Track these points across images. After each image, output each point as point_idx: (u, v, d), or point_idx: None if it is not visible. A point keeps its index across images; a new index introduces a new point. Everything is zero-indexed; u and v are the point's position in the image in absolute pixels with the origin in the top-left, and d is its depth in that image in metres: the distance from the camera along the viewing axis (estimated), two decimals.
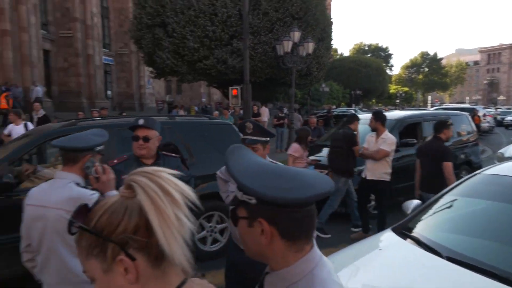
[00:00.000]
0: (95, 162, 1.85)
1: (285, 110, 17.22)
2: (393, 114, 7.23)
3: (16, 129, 6.99)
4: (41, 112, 9.33)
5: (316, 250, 0.88)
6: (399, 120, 6.47)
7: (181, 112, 19.54)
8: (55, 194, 1.77)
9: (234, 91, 12.08)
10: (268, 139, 2.40)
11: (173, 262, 0.70)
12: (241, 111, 13.23)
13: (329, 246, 4.37)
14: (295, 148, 5.21)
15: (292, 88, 14.21)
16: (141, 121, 2.51)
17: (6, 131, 7.24)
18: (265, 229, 0.83)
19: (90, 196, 1.75)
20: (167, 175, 0.73)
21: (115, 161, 2.59)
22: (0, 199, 3.32)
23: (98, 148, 1.91)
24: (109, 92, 26.56)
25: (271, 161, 2.44)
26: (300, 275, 0.84)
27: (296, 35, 13.03)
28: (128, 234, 0.69)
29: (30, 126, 7.31)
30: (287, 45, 12.95)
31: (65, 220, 0.71)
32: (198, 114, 10.70)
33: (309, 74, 17.28)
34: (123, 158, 2.58)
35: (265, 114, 15.68)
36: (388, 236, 2.34)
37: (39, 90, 15.28)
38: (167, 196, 0.70)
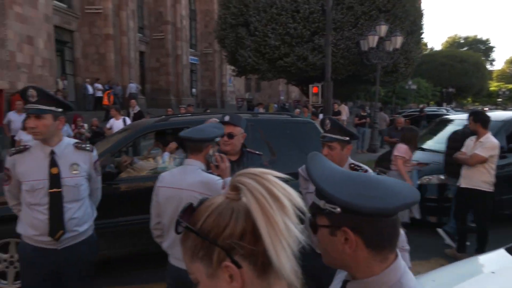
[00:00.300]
0: (215, 152, 2.11)
1: (367, 109, 16.38)
2: (499, 115, 6.33)
3: (116, 124, 7.78)
4: (137, 108, 10.24)
5: (400, 259, 0.87)
6: (507, 122, 5.64)
7: (261, 110, 19.89)
8: (188, 178, 1.99)
9: (314, 88, 11.85)
10: (348, 138, 2.25)
11: (280, 274, 0.64)
12: (313, 109, 12.97)
13: (419, 259, 4.01)
14: (403, 149, 4.69)
15: (377, 85, 13.44)
16: (227, 118, 2.54)
17: (108, 125, 8.11)
18: (350, 238, 0.82)
19: (217, 181, 1.97)
20: (274, 178, 0.68)
21: None
22: (102, 187, 3.70)
23: (217, 139, 2.15)
24: (194, 90, 28.24)
25: (354, 163, 2.29)
26: (387, 284, 0.83)
27: (383, 29, 12.27)
28: (235, 239, 0.65)
29: (128, 121, 8.06)
30: (373, 40, 12.27)
31: (197, 200, 0.73)
32: (280, 112, 10.71)
33: (395, 70, 16.19)
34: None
35: (344, 112, 15.14)
36: (501, 257, 2.01)
37: (132, 87, 16.87)
38: (276, 202, 0.64)
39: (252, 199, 0.64)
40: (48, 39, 12.47)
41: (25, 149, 2.15)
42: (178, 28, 23.63)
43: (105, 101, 14.55)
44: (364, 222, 0.81)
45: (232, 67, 18.86)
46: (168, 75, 23.32)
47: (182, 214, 0.71)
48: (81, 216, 2.23)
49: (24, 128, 6.38)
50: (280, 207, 0.64)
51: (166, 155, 4.28)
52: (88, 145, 2.32)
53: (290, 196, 0.66)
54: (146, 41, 22.75)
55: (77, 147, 2.24)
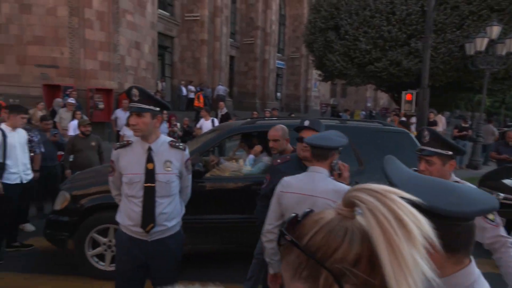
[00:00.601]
0: (338, 160, 2.14)
1: (469, 120, 14.64)
2: None
3: (206, 124, 8.20)
4: (224, 110, 10.69)
5: (475, 266, 0.88)
6: None
7: (347, 116, 19.22)
8: (320, 185, 2.01)
9: (408, 96, 10.98)
10: (451, 153, 1.99)
11: None
12: (402, 119, 11.95)
13: None
14: None
15: (483, 94, 11.92)
16: (306, 122, 2.46)
17: (198, 125, 8.60)
18: None
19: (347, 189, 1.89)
20: (400, 199, 0.57)
21: (279, 161, 2.60)
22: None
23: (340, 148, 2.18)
24: (278, 94, 28.57)
25: (457, 180, 1.98)
26: (460, 287, 0.84)
27: (495, 30, 10.81)
28: (347, 264, 0.56)
29: (216, 122, 8.44)
30: (481, 43, 10.90)
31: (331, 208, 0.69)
32: (370, 120, 10.18)
33: (507, 77, 14.18)
34: (286, 159, 2.58)
35: (441, 123, 13.73)
36: None
37: (220, 89, 17.70)
38: (402, 228, 0.53)
39: (372, 221, 0.54)
40: (152, 45, 13.78)
41: (128, 144, 2.32)
42: (267, 33, 24.16)
43: (196, 103, 15.52)
44: (441, 226, 0.73)
45: (319, 72, 18.59)
46: (255, 79, 23.98)
47: (287, 225, 0.64)
48: (171, 212, 2.33)
49: (127, 125, 7.10)
50: (407, 235, 0.53)
51: (251, 157, 4.32)
52: (181, 144, 2.41)
53: (419, 223, 0.55)
54: (237, 46, 23.72)
55: (171, 145, 2.35)
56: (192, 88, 17.15)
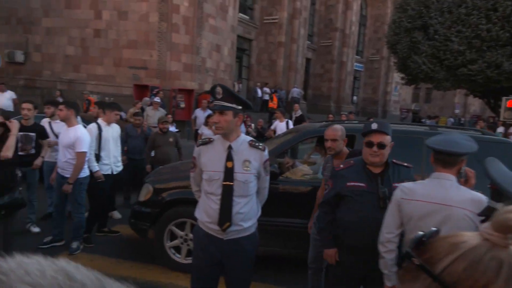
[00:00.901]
0: (464, 166, 2.01)
1: None
2: None
3: (280, 126, 8.16)
4: (299, 112, 10.56)
5: None
6: None
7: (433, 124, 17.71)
8: (453, 194, 1.86)
9: (509, 102, 9.69)
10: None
11: None
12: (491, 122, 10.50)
13: None
14: None
15: None
16: (374, 126, 2.24)
17: (272, 127, 8.59)
18: None
19: (485, 200, 1.78)
20: None
21: (341, 166, 2.40)
22: None
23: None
24: (354, 98, 27.52)
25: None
26: None
27: None
28: None
29: (291, 124, 8.35)
30: None
31: (469, 219, 0.65)
32: (465, 127, 9.22)
33: None
34: (349, 164, 2.38)
35: None
36: None
37: (295, 91, 17.59)
38: None
39: None
40: (231, 47, 14.24)
41: (209, 141, 2.34)
42: (346, 35, 23.44)
43: (271, 104, 15.64)
44: None
45: (401, 75, 17.43)
46: (330, 82, 23.42)
47: (414, 245, 0.54)
48: (247, 212, 2.29)
49: (206, 124, 7.37)
50: None
51: None
52: (261, 144, 2.36)
53: None
54: (314, 48, 23.41)
55: (251, 144, 2.31)
56: (267, 90, 17.35)
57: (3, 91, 10.44)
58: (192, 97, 11.89)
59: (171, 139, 5.81)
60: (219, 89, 2.21)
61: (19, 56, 12.90)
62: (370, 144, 2.24)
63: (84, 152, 3.95)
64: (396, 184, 2.12)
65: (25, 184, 4.38)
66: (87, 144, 3.99)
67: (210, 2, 12.46)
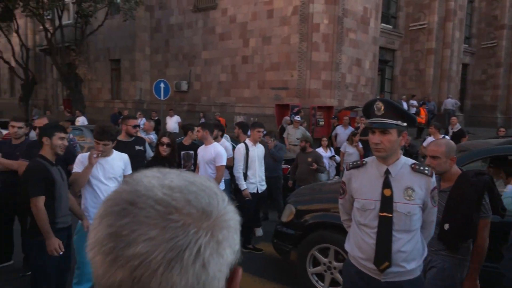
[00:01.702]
0: None
1: None
2: None
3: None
4: (457, 127, 9.07)
5: None
6: None
7: None
8: None
9: None
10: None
11: None
12: None
13: None
14: None
15: None
16: None
17: (425, 144, 7.56)
18: None
19: None
20: None
21: None
22: None
23: None
24: None
25: None
26: None
27: None
28: None
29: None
30: None
31: None
32: None
33: None
34: None
35: None
36: None
37: (449, 103, 15.30)
38: None
39: None
40: (373, 60, 13.49)
41: (361, 164, 2.06)
42: None
43: (419, 119, 14.01)
44: None
45: None
46: (496, 89, 19.70)
47: None
48: (410, 251, 1.90)
49: (350, 141, 7.05)
50: None
51: (511, 188, 3.26)
52: (426, 168, 1.95)
53: None
54: (472, 52, 20.21)
55: (414, 168, 1.92)
56: (414, 102, 15.66)
57: (171, 116, 12.42)
58: (331, 114, 11.66)
59: (309, 159, 5.79)
60: (379, 104, 1.91)
61: (184, 86, 15.20)
62: None
63: (223, 166, 4.27)
64: None
65: None
66: (225, 158, 4.31)
67: (350, 16, 12.13)
